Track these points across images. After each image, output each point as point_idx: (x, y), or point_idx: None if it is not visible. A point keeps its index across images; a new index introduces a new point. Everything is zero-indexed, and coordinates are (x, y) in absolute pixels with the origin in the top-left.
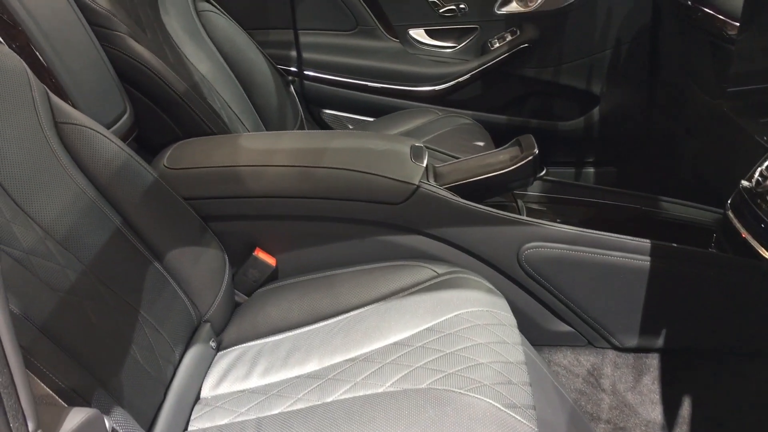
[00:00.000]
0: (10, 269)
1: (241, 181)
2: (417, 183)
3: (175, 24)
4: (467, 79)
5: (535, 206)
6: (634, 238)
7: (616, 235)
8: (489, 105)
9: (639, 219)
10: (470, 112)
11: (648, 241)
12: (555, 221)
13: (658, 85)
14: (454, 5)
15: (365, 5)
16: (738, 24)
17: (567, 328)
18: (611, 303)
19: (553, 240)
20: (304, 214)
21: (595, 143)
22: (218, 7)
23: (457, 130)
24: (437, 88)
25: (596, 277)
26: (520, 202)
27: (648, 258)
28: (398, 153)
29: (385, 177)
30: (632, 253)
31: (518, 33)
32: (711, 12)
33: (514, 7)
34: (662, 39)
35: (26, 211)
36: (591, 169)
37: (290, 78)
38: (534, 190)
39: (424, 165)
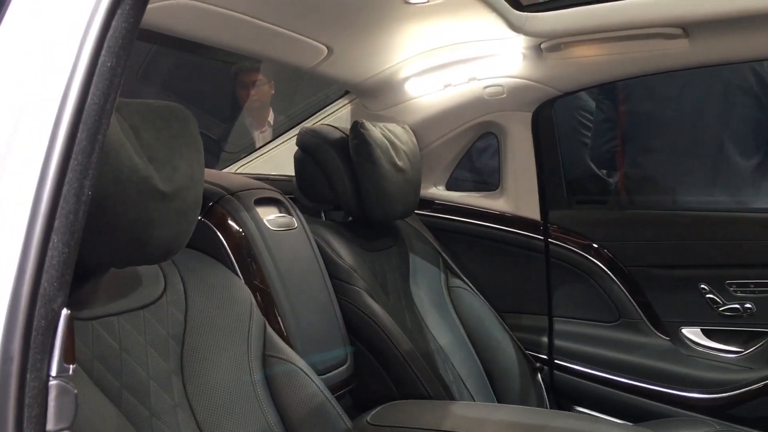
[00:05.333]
0: None
1: None
2: None
3: (422, 294)
4: (755, 390)
5: None
6: None
7: None
8: None
9: None
10: None
11: None
12: None
13: None
14: (738, 304)
15: (630, 297)
16: None
17: None
18: None
19: None
20: None
21: None
22: (471, 285)
23: None
24: (716, 396)
25: None
26: None
27: None
28: None
29: None
30: None
31: None
32: None
33: None
34: None
35: None
36: None
37: (539, 365)
38: None
39: None
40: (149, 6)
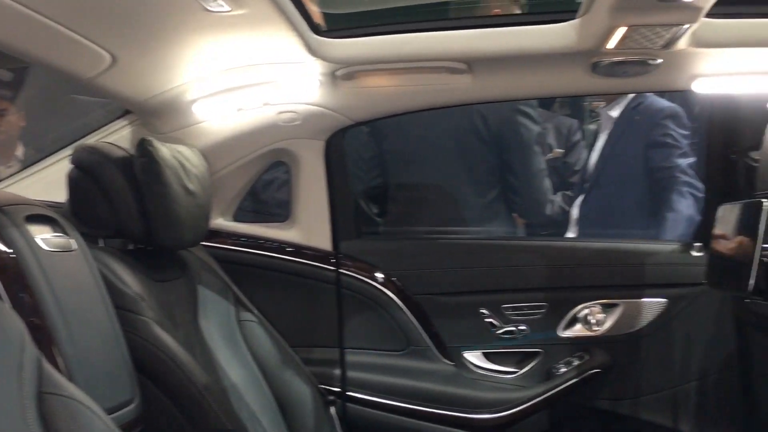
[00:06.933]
0: None
1: None
2: None
3: (213, 328)
4: (530, 407)
5: None
6: None
7: None
8: None
9: None
10: None
11: None
12: None
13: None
14: (513, 326)
15: (418, 324)
16: None
17: None
18: None
19: None
20: None
21: None
22: (262, 319)
23: None
24: (497, 416)
25: None
26: None
27: None
28: None
29: None
30: None
31: (586, 358)
32: None
33: (579, 330)
34: (757, 369)
35: None
36: None
37: (331, 398)
38: None
39: None
40: None
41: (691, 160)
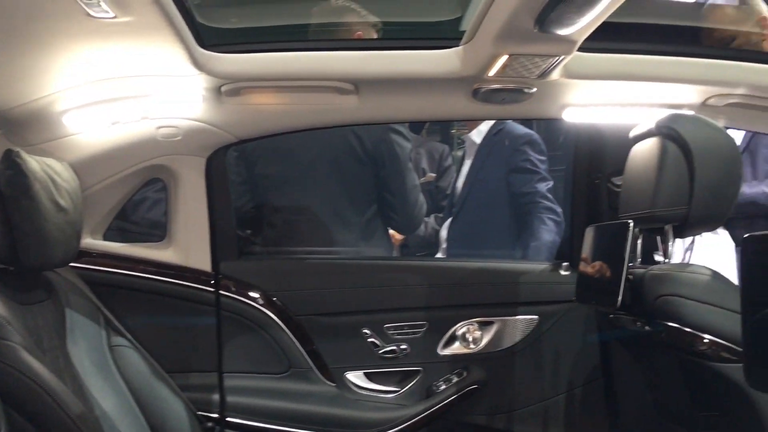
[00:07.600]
0: None
1: None
2: None
3: (82, 354)
4: (411, 425)
5: None
6: None
7: None
8: None
9: None
10: None
11: None
12: None
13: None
14: (395, 346)
15: (299, 346)
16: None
17: None
18: None
19: None
20: None
21: None
22: (135, 343)
23: None
24: None
25: None
26: None
27: None
28: None
29: None
30: None
31: (465, 375)
32: (677, 326)
33: (457, 348)
34: (619, 379)
35: None
36: None
37: (210, 425)
38: None
39: None
40: None
41: (550, 184)
